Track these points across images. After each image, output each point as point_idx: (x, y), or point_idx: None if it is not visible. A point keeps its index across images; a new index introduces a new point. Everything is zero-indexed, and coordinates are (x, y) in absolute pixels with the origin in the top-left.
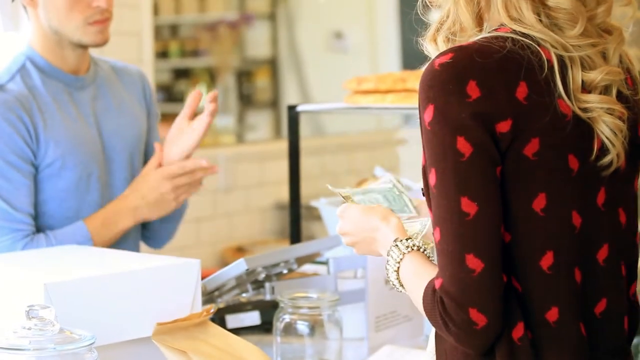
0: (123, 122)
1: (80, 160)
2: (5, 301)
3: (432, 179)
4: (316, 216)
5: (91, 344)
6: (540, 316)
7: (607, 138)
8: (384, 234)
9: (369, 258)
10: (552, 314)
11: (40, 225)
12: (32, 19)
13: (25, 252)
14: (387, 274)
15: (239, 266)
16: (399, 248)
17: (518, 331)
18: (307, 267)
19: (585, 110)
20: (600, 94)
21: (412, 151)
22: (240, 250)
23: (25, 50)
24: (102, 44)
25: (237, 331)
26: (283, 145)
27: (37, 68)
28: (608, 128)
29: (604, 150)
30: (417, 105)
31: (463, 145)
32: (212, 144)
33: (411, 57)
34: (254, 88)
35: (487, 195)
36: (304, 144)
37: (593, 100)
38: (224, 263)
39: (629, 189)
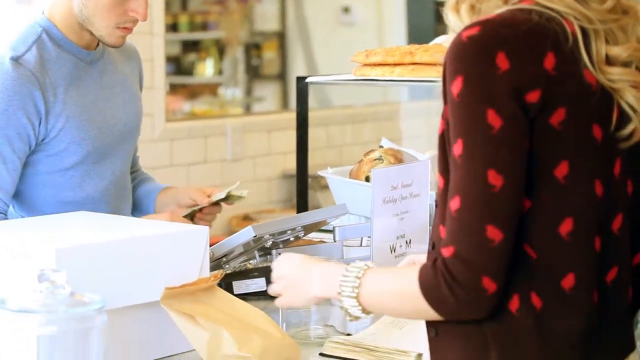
0: (127, 97)
1: (89, 135)
2: (16, 266)
3: (458, 149)
4: (322, 186)
5: (101, 307)
6: (556, 283)
7: (630, 109)
8: (325, 268)
9: (375, 227)
10: (568, 281)
11: (44, 195)
12: None
13: (35, 218)
14: (342, 300)
15: (246, 233)
16: (356, 267)
17: (526, 299)
18: (314, 235)
19: (609, 81)
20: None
21: (417, 124)
22: (247, 219)
23: (41, 20)
24: (118, 46)
25: (243, 297)
26: (290, 116)
27: (52, 41)
28: (632, 98)
29: (623, 122)
30: (424, 78)
31: (493, 118)
32: (220, 114)
33: (417, 31)
34: (262, 61)
35: (514, 169)
36: (311, 115)
37: (617, 72)
38: (231, 231)
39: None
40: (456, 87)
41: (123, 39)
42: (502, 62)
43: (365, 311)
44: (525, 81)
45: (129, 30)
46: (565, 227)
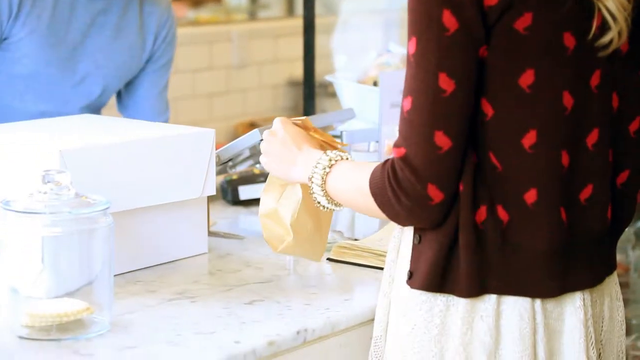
0: (118, 45)
1: (46, 58)
2: (20, 167)
3: (412, 48)
4: (329, 93)
5: (106, 208)
6: (519, 197)
7: (610, 15)
8: (309, 153)
9: (382, 132)
10: (531, 196)
11: None
12: None
13: (40, 120)
14: (311, 187)
15: (253, 136)
16: (331, 155)
17: (493, 212)
18: None
19: None
20: None
21: None
22: (253, 126)
23: None
24: None
25: (249, 202)
26: (295, 22)
27: None
28: (613, 4)
29: (603, 29)
30: None
31: (448, 20)
32: (225, 20)
33: None
34: None
35: (466, 75)
36: (317, 21)
37: None
38: (237, 138)
39: (631, 75)
40: None
41: None
42: None
43: (330, 200)
44: None
45: None
46: (529, 139)
